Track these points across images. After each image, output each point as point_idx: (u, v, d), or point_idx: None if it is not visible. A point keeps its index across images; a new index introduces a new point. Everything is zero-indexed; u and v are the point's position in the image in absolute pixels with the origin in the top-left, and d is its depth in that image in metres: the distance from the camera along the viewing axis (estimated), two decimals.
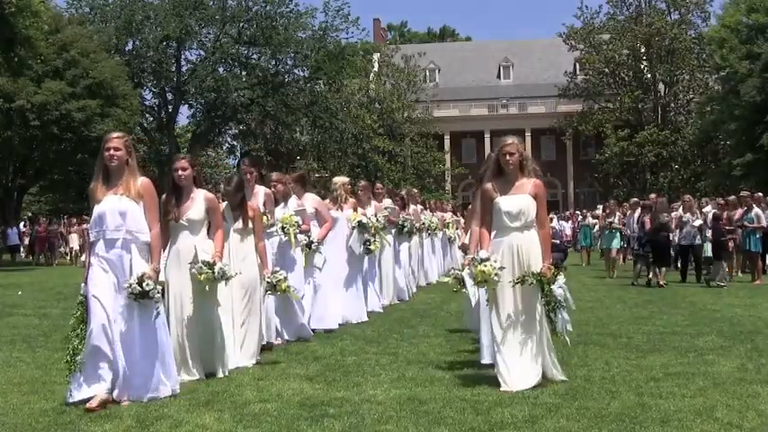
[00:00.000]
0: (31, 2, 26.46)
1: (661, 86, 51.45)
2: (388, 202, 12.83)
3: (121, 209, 5.63)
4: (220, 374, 6.50)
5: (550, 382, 5.97)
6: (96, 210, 5.69)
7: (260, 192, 8.16)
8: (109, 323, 5.49)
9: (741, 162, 35.94)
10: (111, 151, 5.70)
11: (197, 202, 6.52)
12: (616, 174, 50.36)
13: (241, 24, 43.55)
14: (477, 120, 56.47)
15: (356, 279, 10.39)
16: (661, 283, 14.99)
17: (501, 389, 5.79)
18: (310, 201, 9.38)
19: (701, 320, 9.86)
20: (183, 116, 77.73)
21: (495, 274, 5.87)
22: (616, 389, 5.85)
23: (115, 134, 5.89)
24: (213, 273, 6.29)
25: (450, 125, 56.11)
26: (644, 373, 6.46)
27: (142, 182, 5.77)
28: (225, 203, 7.39)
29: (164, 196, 6.56)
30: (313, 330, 8.92)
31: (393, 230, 12.67)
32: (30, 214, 41.11)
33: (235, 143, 50.21)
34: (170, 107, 45.33)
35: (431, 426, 4.93)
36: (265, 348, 7.64)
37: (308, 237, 8.93)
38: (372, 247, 10.52)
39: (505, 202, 6.08)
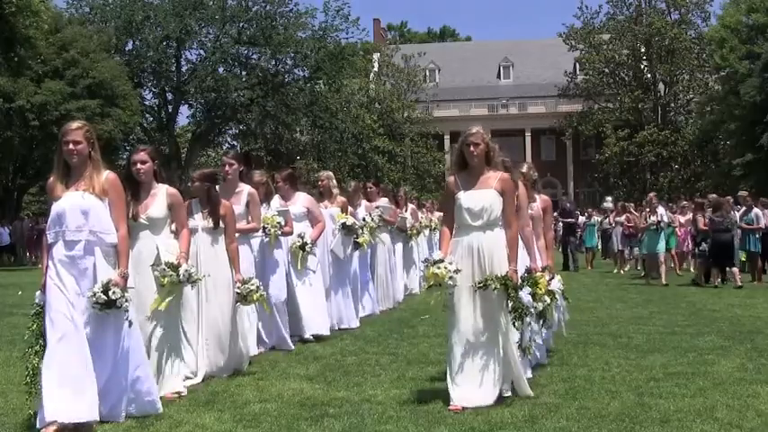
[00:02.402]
0: (30, 2, 26.50)
1: (661, 86, 51.50)
2: (383, 201, 12.35)
3: (84, 207, 5.00)
4: (182, 389, 5.90)
5: (520, 397, 5.54)
6: (55, 208, 5.04)
7: (244, 190, 7.50)
8: (74, 339, 4.84)
9: (741, 162, 35.95)
10: (71, 145, 5.07)
11: (158, 199, 5.93)
12: (616, 174, 50.39)
13: (241, 24, 43.57)
14: (477, 120, 56.29)
15: (344, 283, 9.75)
16: (716, 283, 14.81)
17: (450, 405, 5.28)
18: (302, 200, 8.85)
19: (701, 320, 9.86)
20: (183, 116, 77.77)
21: (450, 278, 5.32)
22: (616, 389, 5.84)
23: (74, 125, 5.19)
24: (178, 275, 5.71)
25: (450, 125, 56.02)
26: (644, 373, 6.46)
27: (107, 177, 5.13)
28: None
29: None
30: (302, 339, 8.49)
31: (389, 231, 12.26)
32: (29, 214, 41.08)
33: (235, 143, 50.15)
34: (170, 107, 45.35)
35: (431, 426, 4.92)
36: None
37: (302, 238, 8.43)
38: (360, 240, 9.96)
39: (466, 198, 5.51)
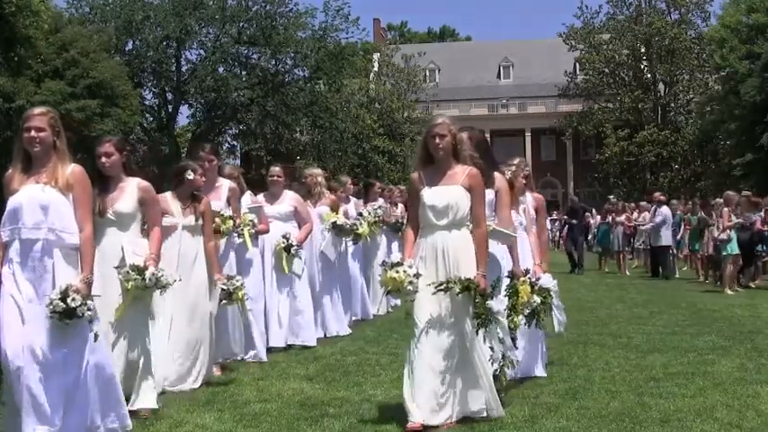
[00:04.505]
0: (30, 2, 26.46)
1: (661, 86, 51.47)
2: (380, 201, 11.87)
3: (43, 202, 4.48)
4: (152, 404, 5.34)
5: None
6: (10, 202, 4.52)
7: (224, 185, 7.23)
8: (33, 354, 4.34)
9: (741, 162, 35.94)
10: (33, 132, 4.55)
11: (127, 193, 5.41)
12: (616, 174, 50.40)
13: (241, 24, 43.57)
14: (478, 120, 56.19)
15: (335, 287, 9.22)
16: (751, 284, 14.71)
17: (408, 423, 4.83)
18: (289, 199, 8.36)
19: (701, 320, 9.86)
20: (183, 116, 77.68)
21: (410, 283, 4.82)
22: (616, 389, 5.85)
23: (37, 110, 4.65)
24: (144, 279, 5.16)
25: None
26: (644, 373, 6.46)
27: (73, 170, 4.61)
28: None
29: None
30: (290, 345, 8.04)
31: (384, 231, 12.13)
32: None
33: (235, 143, 50.16)
34: (170, 107, 45.35)
35: (430, 426, 4.92)
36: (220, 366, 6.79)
37: (288, 239, 7.95)
38: (360, 231, 9.54)
39: (430, 195, 4.99)
